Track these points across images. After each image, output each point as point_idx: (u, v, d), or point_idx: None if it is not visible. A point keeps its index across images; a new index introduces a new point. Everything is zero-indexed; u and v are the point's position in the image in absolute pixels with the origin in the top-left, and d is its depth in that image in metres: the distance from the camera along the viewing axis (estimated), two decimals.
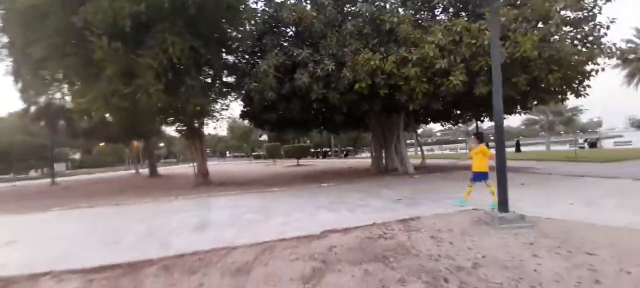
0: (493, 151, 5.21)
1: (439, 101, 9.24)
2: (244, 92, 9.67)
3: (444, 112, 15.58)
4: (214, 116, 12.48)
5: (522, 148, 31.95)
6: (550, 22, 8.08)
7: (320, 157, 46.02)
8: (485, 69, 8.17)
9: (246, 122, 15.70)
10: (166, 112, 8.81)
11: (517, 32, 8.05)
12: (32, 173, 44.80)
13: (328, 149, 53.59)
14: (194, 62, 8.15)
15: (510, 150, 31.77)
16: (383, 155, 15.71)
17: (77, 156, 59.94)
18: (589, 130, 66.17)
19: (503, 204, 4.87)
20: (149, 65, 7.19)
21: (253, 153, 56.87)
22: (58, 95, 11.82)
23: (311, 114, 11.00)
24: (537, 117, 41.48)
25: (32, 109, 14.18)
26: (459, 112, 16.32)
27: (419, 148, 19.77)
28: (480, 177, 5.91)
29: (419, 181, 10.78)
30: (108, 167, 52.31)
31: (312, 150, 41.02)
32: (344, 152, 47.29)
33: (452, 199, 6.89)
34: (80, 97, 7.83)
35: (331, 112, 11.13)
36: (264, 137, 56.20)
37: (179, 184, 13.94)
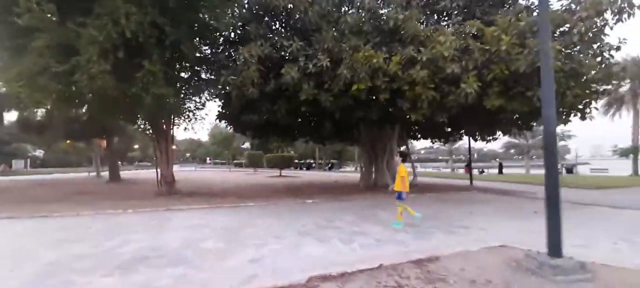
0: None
1: (445, 112, 8.10)
2: (220, 87, 8.13)
3: (439, 126, 14.67)
4: (184, 115, 10.74)
5: (503, 171, 31.88)
6: (573, 31, 7.20)
7: (304, 168, 44.34)
8: (500, 78, 7.14)
9: (227, 126, 13.96)
10: (118, 103, 7.11)
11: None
12: None
13: (312, 161, 52.07)
14: (156, 43, 6.55)
15: (493, 172, 31.75)
16: (372, 170, 14.45)
17: (39, 153, 54.98)
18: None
19: (555, 247, 3.60)
20: (93, 38, 5.55)
21: (234, 161, 54.31)
22: None
23: (298, 118, 9.55)
24: (517, 141, 42.21)
25: None
26: (449, 129, 15.46)
27: (409, 166, 18.70)
28: (400, 195, 5.92)
29: (415, 202, 9.51)
30: (72, 167, 48.03)
31: (297, 161, 39.35)
32: (329, 165, 45.95)
33: (462, 227, 5.74)
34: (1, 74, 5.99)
35: (321, 118, 9.76)
36: (246, 145, 53.95)
37: (140, 192, 11.93)
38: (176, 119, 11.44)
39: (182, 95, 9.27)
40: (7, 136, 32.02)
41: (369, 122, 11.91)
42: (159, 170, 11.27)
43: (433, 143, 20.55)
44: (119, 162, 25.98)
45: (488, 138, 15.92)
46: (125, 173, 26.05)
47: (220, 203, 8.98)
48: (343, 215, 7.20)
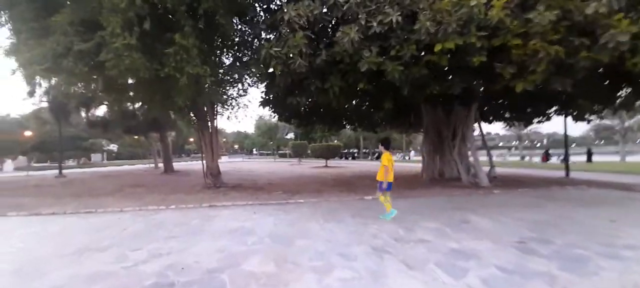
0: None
1: (568, 78, 5.69)
2: (262, 66, 6.84)
3: (525, 104, 11.76)
4: (225, 102, 9.85)
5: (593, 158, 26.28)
6: None
7: (350, 158, 42.72)
8: None
9: (271, 113, 12.87)
10: (153, 87, 6.32)
11: None
12: (69, 162, 46.33)
13: (356, 150, 50.06)
14: (187, 11, 5.46)
15: (579, 160, 26.15)
16: (436, 160, 12.21)
17: (113, 147, 61.93)
18: None
19: None
20: (115, 5, 4.63)
21: (278, 152, 54.99)
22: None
23: (353, 99, 7.86)
24: (611, 123, 34.69)
25: (38, 93, 12.62)
26: (529, 109, 12.34)
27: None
28: (390, 186, 5.29)
29: (511, 201, 7.28)
30: (139, 159, 53.13)
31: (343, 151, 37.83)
32: (375, 155, 43.56)
33: (627, 247, 3.65)
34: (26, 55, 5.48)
35: (381, 97, 7.94)
36: (291, 135, 54.07)
37: (188, 184, 11.56)
38: (218, 107, 10.66)
39: (220, 77, 8.24)
40: (84, 132, 35.98)
41: (446, 99, 9.75)
42: (204, 162, 10.65)
43: (509, 126, 17.19)
44: (173, 154, 27.39)
45: (589, 118, 12.47)
46: (180, 165, 27.36)
47: (266, 200, 7.87)
48: (422, 220, 5.45)
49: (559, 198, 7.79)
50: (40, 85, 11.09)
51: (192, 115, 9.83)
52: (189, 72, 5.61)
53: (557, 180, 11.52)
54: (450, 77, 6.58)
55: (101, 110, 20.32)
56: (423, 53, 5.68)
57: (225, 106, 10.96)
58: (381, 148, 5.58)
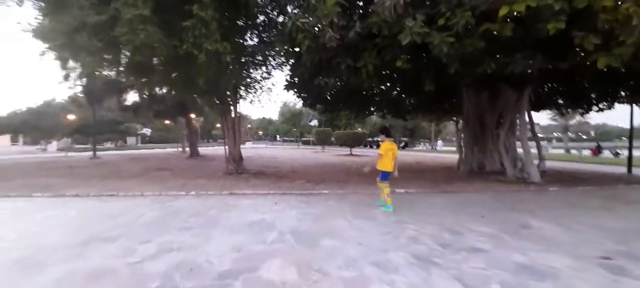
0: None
1: None
2: (287, 44, 6.16)
3: (586, 88, 10.15)
4: (248, 85, 9.37)
5: None
6: None
7: (374, 146, 41.46)
8: None
9: (296, 97, 12.19)
10: (173, 65, 5.93)
11: None
12: (107, 144, 49.44)
13: (381, 138, 48.47)
14: None
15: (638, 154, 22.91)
16: (475, 151, 11.01)
17: (147, 131, 65.14)
18: None
19: None
20: None
21: (302, 139, 54.85)
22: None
23: (388, 80, 6.99)
24: None
25: (71, 80, 12.96)
26: (594, 94, 10.61)
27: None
28: (386, 176, 5.17)
29: (575, 201, 6.16)
30: (169, 143, 55.52)
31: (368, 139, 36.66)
32: (402, 143, 41.96)
33: None
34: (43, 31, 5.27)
35: (421, 77, 6.98)
36: (314, 122, 53.57)
37: (211, 169, 11.40)
38: (242, 91, 10.23)
39: (244, 59, 7.72)
40: (120, 117, 37.86)
41: (493, 81, 8.56)
42: (226, 147, 10.36)
43: (561, 114, 15.26)
44: (201, 139, 27.85)
45: None
46: (206, 150, 27.92)
47: (288, 189, 7.36)
48: (470, 221, 4.62)
49: (633, 199, 6.52)
50: (73, 70, 11.31)
51: (215, 99, 9.48)
52: (207, 48, 5.10)
53: (620, 178, 9.94)
54: (511, 51, 5.48)
55: (133, 96, 21.00)
56: (480, 21, 4.68)
57: (248, 90, 10.53)
58: (382, 137, 5.48)
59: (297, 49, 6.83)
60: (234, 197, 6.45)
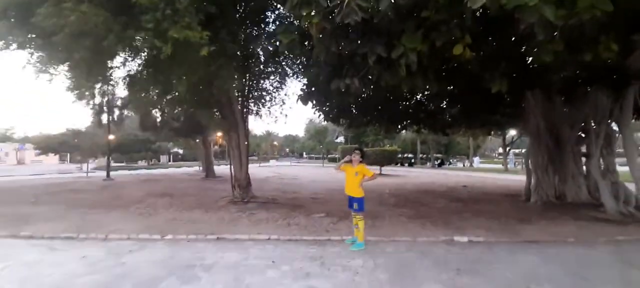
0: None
1: None
2: (291, 28, 4.46)
3: None
4: (258, 97, 7.78)
5: None
6: None
7: (406, 165, 38.35)
8: None
9: (317, 114, 10.41)
10: (154, 67, 4.47)
11: None
12: (141, 163, 51.27)
13: (412, 156, 45.01)
14: None
15: None
16: (551, 175, 8.29)
17: (178, 150, 67.18)
18: None
19: None
20: None
21: (328, 156, 52.92)
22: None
23: (437, 78, 4.87)
24: None
25: (89, 99, 12.42)
26: None
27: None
28: (357, 201, 4.33)
29: None
30: (196, 161, 56.31)
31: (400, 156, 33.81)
32: (438, 161, 38.38)
33: None
34: None
35: (484, 71, 4.81)
36: (340, 139, 51.59)
37: (217, 195, 9.73)
38: (250, 104, 8.66)
39: (246, 63, 6.11)
40: (153, 136, 38.67)
41: (571, 81, 6.21)
42: (231, 169, 8.72)
43: None
44: (224, 158, 26.87)
45: None
46: (225, 169, 26.96)
47: (299, 230, 5.42)
48: None
49: None
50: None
51: (216, 113, 7.97)
52: (174, 36, 3.50)
53: None
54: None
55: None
56: None
57: (259, 103, 8.95)
58: (355, 154, 4.48)
59: (307, 43, 5.07)
60: (220, 244, 4.63)
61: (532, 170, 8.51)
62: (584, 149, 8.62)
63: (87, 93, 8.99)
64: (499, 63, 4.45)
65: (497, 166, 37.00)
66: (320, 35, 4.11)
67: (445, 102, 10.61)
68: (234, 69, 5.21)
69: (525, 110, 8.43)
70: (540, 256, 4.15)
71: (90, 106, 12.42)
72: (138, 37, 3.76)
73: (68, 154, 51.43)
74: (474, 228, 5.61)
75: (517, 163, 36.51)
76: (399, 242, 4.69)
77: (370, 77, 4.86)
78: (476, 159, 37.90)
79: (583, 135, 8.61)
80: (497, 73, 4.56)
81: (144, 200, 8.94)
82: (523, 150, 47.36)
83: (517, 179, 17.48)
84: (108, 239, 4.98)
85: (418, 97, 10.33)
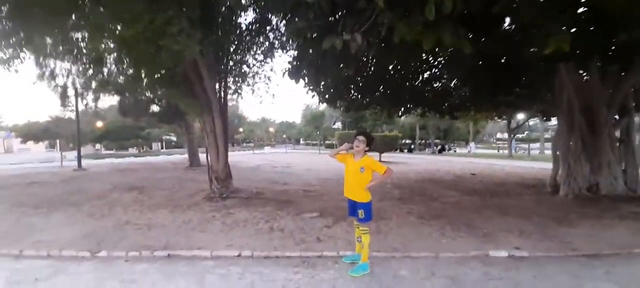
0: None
1: None
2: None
3: None
4: (235, 71, 6.38)
5: None
6: None
7: (405, 151, 37.25)
8: None
9: (309, 92, 9.00)
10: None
11: None
12: (132, 150, 49.60)
13: (411, 141, 43.86)
14: None
15: None
16: (583, 163, 7.04)
17: (172, 137, 65.12)
18: None
19: None
20: None
21: (325, 143, 51.63)
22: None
23: (458, 50, 3.47)
24: None
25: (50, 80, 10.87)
26: None
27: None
28: (363, 208, 3.03)
29: None
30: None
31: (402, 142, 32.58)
32: (439, 147, 37.30)
33: None
34: None
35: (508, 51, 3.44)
36: (338, 124, 50.14)
37: (195, 189, 8.43)
38: (228, 80, 7.23)
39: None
40: (143, 122, 36.99)
41: (607, 53, 4.88)
42: (209, 159, 7.38)
43: None
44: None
45: None
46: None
47: (283, 237, 4.17)
48: None
49: None
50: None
51: (183, 91, 6.53)
52: None
53: None
54: None
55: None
56: None
57: (239, 79, 7.52)
58: (359, 140, 3.07)
59: None
60: (169, 267, 3.34)
61: (561, 158, 7.27)
62: (618, 134, 7.43)
63: (43, 71, 7.61)
64: (565, 7, 3.09)
65: (494, 152, 36.04)
66: None
67: (456, 80, 9.26)
68: (190, 25, 3.80)
69: (557, 86, 7.10)
70: (614, 279, 2.95)
71: (52, 87, 10.87)
72: None
73: (57, 142, 49.52)
74: (505, 233, 4.39)
75: (518, 149, 35.55)
76: (416, 260, 3.45)
77: (378, 31, 3.45)
78: (472, 145, 36.80)
79: (618, 117, 7.41)
80: (558, 25, 3.18)
81: (106, 196, 7.62)
82: (523, 135, 46.29)
83: (524, 165, 16.39)
84: (21, 256, 3.68)
85: (426, 75, 8.96)
